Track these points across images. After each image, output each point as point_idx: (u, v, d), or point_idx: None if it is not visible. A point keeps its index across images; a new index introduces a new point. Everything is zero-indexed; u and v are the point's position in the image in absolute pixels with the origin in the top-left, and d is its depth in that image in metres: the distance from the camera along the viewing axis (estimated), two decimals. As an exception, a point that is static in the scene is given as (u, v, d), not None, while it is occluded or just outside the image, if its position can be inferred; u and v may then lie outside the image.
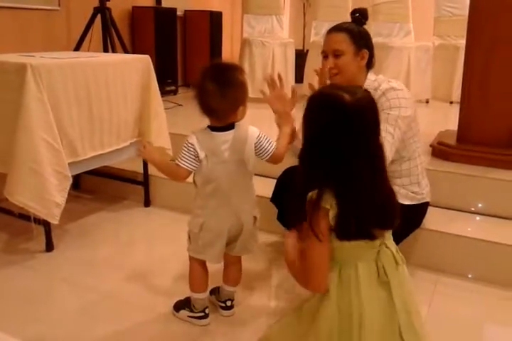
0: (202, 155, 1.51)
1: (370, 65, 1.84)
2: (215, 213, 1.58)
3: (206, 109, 1.51)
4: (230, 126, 1.53)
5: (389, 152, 1.77)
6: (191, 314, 1.70)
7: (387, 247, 1.16)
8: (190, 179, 1.60)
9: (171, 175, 1.62)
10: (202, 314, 1.69)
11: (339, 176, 1.07)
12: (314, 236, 1.08)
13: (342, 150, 1.07)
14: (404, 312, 1.13)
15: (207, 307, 1.70)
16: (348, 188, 1.07)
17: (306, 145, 1.13)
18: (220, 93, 1.46)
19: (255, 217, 1.63)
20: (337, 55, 1.77)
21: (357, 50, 1.77)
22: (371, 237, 1.11)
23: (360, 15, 1.81)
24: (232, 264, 1.73)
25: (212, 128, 1.54)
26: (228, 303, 1.74)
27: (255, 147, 1.56)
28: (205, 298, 1.70)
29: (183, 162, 1.53)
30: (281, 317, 1.31)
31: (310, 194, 1.09)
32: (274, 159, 1.61)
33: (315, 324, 1.16)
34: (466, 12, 2.43)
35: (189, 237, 1.64)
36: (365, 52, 1.78)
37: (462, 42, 2.71)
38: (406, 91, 1.80)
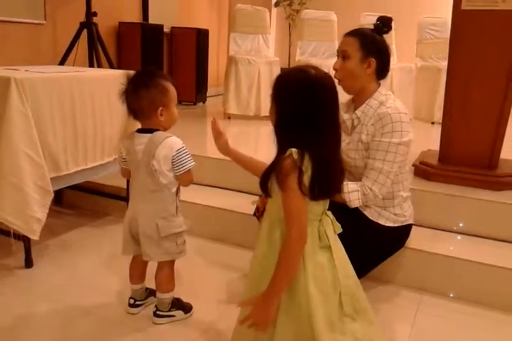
0: (124, 153, 1.69)
1: (381, 75, 1.85)
2: (131, 202, 1.73)
3: (128, 109, 1.64)
4: (151, 131, 1.63)
5: (385, 179, 1.78)
6: None
7: (327, 215, 1.28)
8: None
9: None
10: (131, 301, 1.82)
11: (313, 143, 1.16)
12: (291, 189, 1.15)
13: (315, 119, 1.16)
14: (345, 277, 1.25)
15: (136, 300, 1.82)
16: (321, 153, 1.16)
17: (281, 117, 1.20)
18: (135, 93, 1.60)
19: (158, 226, 1.65)
20: (344, 56, 1.82)
21: (364, 56, 1.79)
22: (331, 195, 1.26)
23: (381, 24, 1.83)
24: (157, 269, 1.77)
25: (138, 130, 1.67)
26: (154, 309, 1.78)
27: (173, 159, 1.61)
28: (135, 290, 1.82)
29: (119, 162, 1.75)
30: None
31: (290, 151, 1.14)
32: (183, 179, 1.67)
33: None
34: (448, 35, 2.49)
35: None
36: (372, 61, 1.80)
37: (444, 63, 2.77)
38: (408, 115, 1.82)
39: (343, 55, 1.83)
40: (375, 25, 1.84)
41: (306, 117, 1.16)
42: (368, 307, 1.30)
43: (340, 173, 1.26)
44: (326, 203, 1.28)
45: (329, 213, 1.29)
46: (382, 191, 1.80)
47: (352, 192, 1.79)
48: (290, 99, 1.18)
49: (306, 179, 1.15)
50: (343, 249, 1.30)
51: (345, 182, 1.61)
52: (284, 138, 1.19)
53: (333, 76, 1.77)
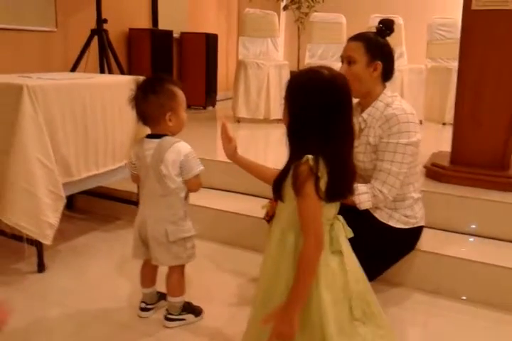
0: (133, 159, 1.71)
1: (386, 78, 1.86)
2: (140, 207, 1.74)
3: (138, 115, 1.65)
4: (160, 136, 1.64)
5: (395, 181, 1.77)
6: None
7: (338, 220, 1.28)
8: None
9: None
10: (142, 305, 1.83)
11: (327, 145, 1.15)
12: (307, 195, 1.14)
13: (330, 120, 1.16)
14: (355, 282, 1.24)
15: (147, 303, 1.83)
16: (335, 157, 1.16)
17: (295, 119, 1.19)
18: (144, 99, 1.62)
19: (167, 231, 1.66)
20: (350, 62, 1.82)
21: (370, 60, 1.80)
22: (345, 197, 1.24)
23: (383, 27, 1.83)
24: (167, 273, 1.78)
25: (148, 135, 1.68)
26: (165, 312, 1.79)
27: (181, 163, 1.62)
28: (146, 294, 1.83)
29: (129, 167, 1.76)
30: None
31: (306, 158, 1.13)
32: (192, 184, 1.67)
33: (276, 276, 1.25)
34: (458, 35, 2.48)
35: None
36: (378, 64, 1.81)
37: (454, 64, 2.75)
38: (415, 116, 1.81)
39: (348, 60, 1.83)
40: (377, 28, 1.85)
41: (320, 118, 1.15)
42: (378, 311, 1.29)
43: (353, 174, 1.26)
44: (338, 207, 1.27)
45: (340, 217, 1.29)
46: (391, 193, 1.79)
47: (362, 194, 1.78)
48: (303, 100, 1.17)
49: (323, 184, 1.14)
50: (353, 254, 1.29)
51: (355, 185, 1.62)
52: (298, 142, 1.19)
53: None
